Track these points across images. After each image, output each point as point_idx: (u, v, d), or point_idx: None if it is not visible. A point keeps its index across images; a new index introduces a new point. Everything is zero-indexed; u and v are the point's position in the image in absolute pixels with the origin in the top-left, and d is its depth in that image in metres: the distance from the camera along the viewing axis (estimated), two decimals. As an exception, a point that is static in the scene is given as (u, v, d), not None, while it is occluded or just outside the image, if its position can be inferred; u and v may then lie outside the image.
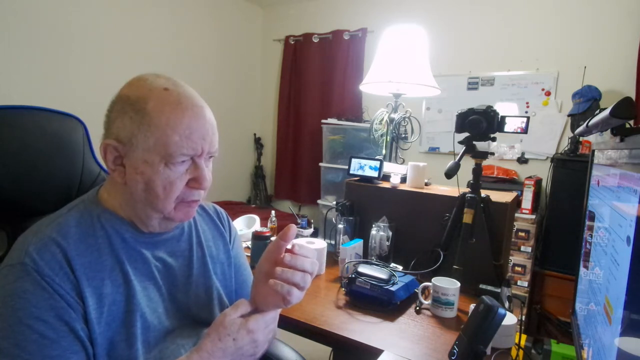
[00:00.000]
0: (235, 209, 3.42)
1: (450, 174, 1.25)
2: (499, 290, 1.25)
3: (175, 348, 0.72)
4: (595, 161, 1.05)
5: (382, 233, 1.52)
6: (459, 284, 1.19)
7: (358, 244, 1.49)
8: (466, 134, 1.31)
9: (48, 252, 0.63)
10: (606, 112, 0.78)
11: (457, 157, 1.30)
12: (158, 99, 0.66)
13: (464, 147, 1.32)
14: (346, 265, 1.37)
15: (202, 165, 0.69)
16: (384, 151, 1.92)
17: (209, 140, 0.69)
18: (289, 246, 0.69)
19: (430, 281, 1.21)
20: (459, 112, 1.32)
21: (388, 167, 1.73)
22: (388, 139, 1.90)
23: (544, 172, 2.65)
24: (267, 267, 0.69)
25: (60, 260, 0.63)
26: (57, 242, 0.64)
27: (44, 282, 0.60)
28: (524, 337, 1.08)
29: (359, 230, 1.63)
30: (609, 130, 0.85)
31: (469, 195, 1.31)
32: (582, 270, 1.10)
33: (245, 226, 1.88)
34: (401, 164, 1.88)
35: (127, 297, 0.68)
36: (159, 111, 0.65)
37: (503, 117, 1.28)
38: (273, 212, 2.00)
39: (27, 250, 0.62)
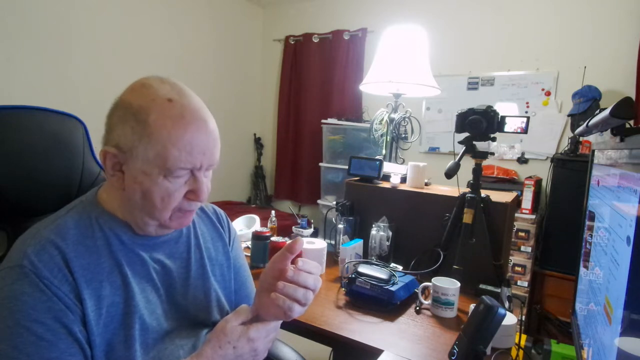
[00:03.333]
0: (235, 209, 3.42)
1: (450, 174, 1.25)
2: (499, 290, 1.25)
3: (174, 348, 0.72)
4: (595, 161, 1.05)
5: (382, 233, 1.52)
6: (459, 284, 1.19)
7: (358, 244, 1.49)
8: (466, 134, 1.31)
9: (46, 254, 0.62)
10: (606, 112, 0.78)
11: (457, 157, 1.30)
12: (161, 111, 0.64)
13: (464, 147, 1.32)
14: (346, 265, 1.37)
15: (202, 179, 0.69)
16: (384, 151, 1.92)
17: (209, 155, 0.68)
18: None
19: (430, 281, 1.21)
20: (459, 112, 1.32)
21: (388, 167, 1.73)
22: (388, 139, 1.90)
23: (544, 172, 2.65)
24: (271, 278, 0.69)
25: (59, 262, 0.63)
26: (55, 244, 0.64)
27: (42, 285, 0.60)
28: (524, 337, 1.08)
29: (359, 230, 1.63)
30: (609, 130, 0.85)
31: (469, 195, 1.31)
32: (582, 270, 1.10)
33: (245, 226, 1.88)
34: (401, 164, 1.88)
35: (126, 299, 0.68)
36: (160, 125, 0.64)
37: (503, 117, 1.28)
38: (273, 212, 2.00)
39: (26, 252, 0.62)
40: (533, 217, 2.48)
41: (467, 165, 1.32)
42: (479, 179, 1.33)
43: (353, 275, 1.25)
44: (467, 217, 1.29)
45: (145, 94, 0.66)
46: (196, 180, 0.68)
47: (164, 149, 0.64)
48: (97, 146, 0.74)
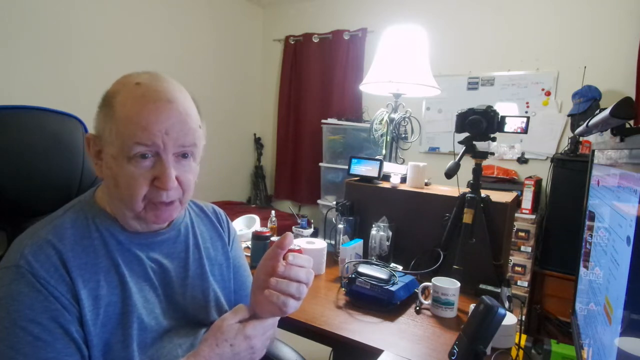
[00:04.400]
0: (235, 209, 3.42)
1: (450, 174, 1.25)
2: (499, 290, 1.26)
3: (172, 347, 0.72)
4: (595, 161, 1.05)
5: (382, 233, 1.52)
6: (459, 284, 1.19)
7: (358, 244, 1.49)
8: (466, 134, 1.31)
9: (43, 254, 0.62)
10: (606, 112, 0.78)
11: (457, 157, 1.30)
12: (125, 93, 0.65)
13: (464, 147, 1.32)
14: (346, 265, 1.37)
15: (167, 164, 0.65)
16: (384, 151, 1.92)
17: (175, 136, 0.65)
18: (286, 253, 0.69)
19: (430, 281, 1.21)
20: (459, 112, 1.32)
21: (388, 167, 1.73)
22: (388, 139, 1.90)
23: (544, 172, 2.65)
24: (263, 275, 0.68)
25: (56, 262, 0.63)
26: (52, 244, 0.64)
27: (39, 285, 0.60)
28: (524, 337, 1.08)
29: (359, 230, 1.63)
30: (609, 130, 0.85)
31: (469, 195, 1.31)
32: (582, 270, 1.10)
33: (245, 226, 1.88)
34: (401, 164, 1.88)
35: (123, 298, 0.68)
36: (121, 104, 0.64)
37: (503, 117, 1.28)
38: (273, 212, 2.00)
39: (23, 253, 0.62)
40: (533, 217, 2.48)
41: (467, 165, 1.32)
42: (479, 179, 1.33)
43: (353, 275, 1.25)
44: (467, 217, 1.29)
45: (119, 82, 0.68)
46: (162, 165, 0.65)
47: (122, 126, 0.64)
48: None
